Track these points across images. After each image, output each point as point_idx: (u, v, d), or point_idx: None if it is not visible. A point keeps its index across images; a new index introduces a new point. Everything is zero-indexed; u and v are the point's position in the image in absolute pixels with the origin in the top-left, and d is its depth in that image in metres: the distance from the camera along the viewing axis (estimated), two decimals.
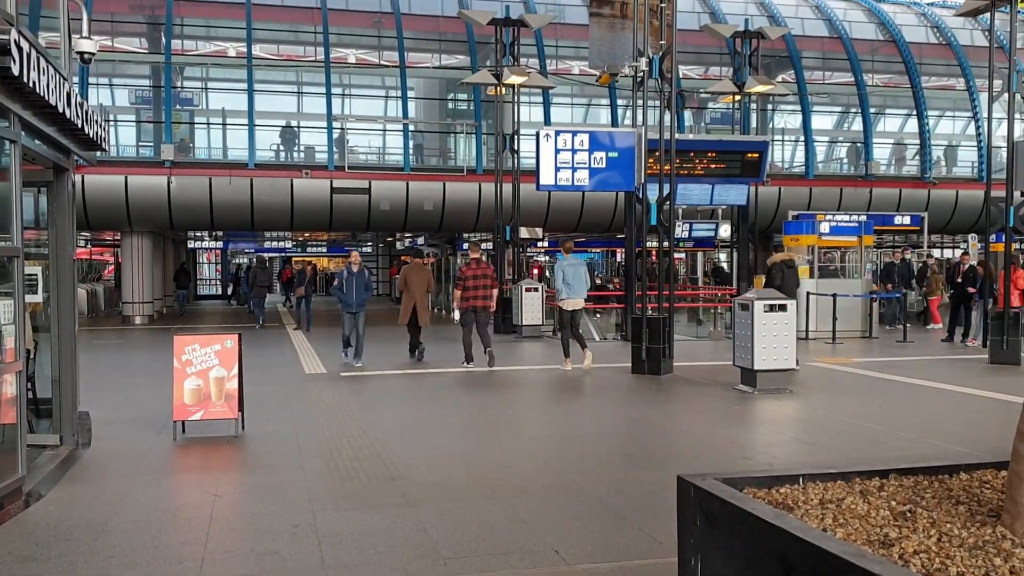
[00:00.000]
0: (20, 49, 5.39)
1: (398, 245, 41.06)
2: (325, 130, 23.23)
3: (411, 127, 24.77)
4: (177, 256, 33.61)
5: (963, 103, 27.68)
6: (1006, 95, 15.26)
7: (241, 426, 8.23)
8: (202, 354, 8.03)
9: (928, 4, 30.44)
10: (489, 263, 14.91)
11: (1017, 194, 15.03)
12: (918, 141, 26.80)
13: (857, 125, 27.08)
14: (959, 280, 17.51)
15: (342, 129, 23.64)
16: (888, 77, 28.01)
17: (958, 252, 27.75)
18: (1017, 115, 15.60)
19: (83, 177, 20.27)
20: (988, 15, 15.20)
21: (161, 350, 13.87)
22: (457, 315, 15.15)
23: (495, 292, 13.80)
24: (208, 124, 24.61)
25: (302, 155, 24.23)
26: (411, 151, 24.19)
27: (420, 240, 36.13)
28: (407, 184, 23.20)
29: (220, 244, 41.11)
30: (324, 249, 48.72)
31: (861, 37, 27.73)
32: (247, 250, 46.14)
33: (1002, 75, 16.17)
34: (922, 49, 27.89)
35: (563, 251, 13.65)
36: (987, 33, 17.94)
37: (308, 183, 22.62)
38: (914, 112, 26.86)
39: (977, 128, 26.93)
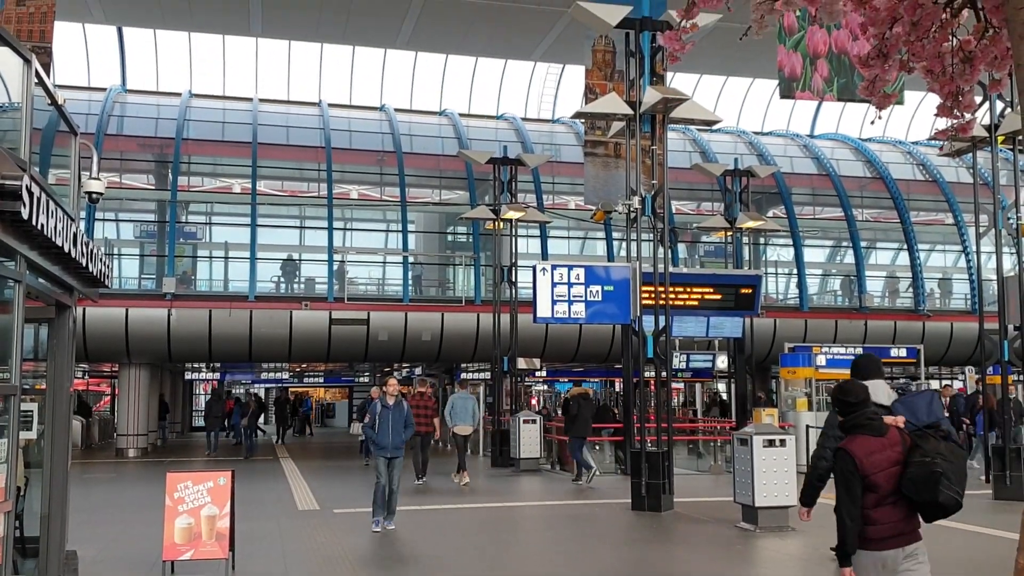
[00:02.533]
0: (31, 194, 5.56)
1: (396, 375, 40.95)
2: (325, 262, 23.59)
3: (411, 259, 25.17)
4: (175, 388, 33.47)
5: (953, 236, 28.23)
6: (993, 230, 15.61)
7: (232, 566, 8.03)
8: (194, 491, 7.92)
9: (913, 143, 31.44)
10: (432, 396, 17.45)
11: (1011, 327, 15.14)
12: (910, 274, 27.18)
13: (849, 258, 27.52)
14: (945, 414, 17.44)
15: (342, 261, 24.00)
16: (878, 212, 28.66)
17: (957, 384, 27.72)
18: (1005, 249, 15.89)
19: (84, 309, 20.44)
20: (971, 154, 15.72)
21: (153, 484, 13.66)
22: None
23: (436, 420, 16.38)
24: (211, 257, 25.01)
25: (302, 287, 24.51)
26: (410, 282, 24.49)
27: (418, 370, 36.08)
28: (406, 315, 23.37)
29: (217, 375, 40.99)
30: (321, 379, 48.55)
31: (849, 174, 28.53)
32: (244, 381, 45.97)
33: (987, 211, 16.60)
34: (909, 185, 28.65)
35: (458, 387, 17.65)
36: (971, 171, 18.51)
37: (307, 314, 22.79)
38: (905, 246, 27.36)
39: (968, 261, 27.36)
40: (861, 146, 29.93)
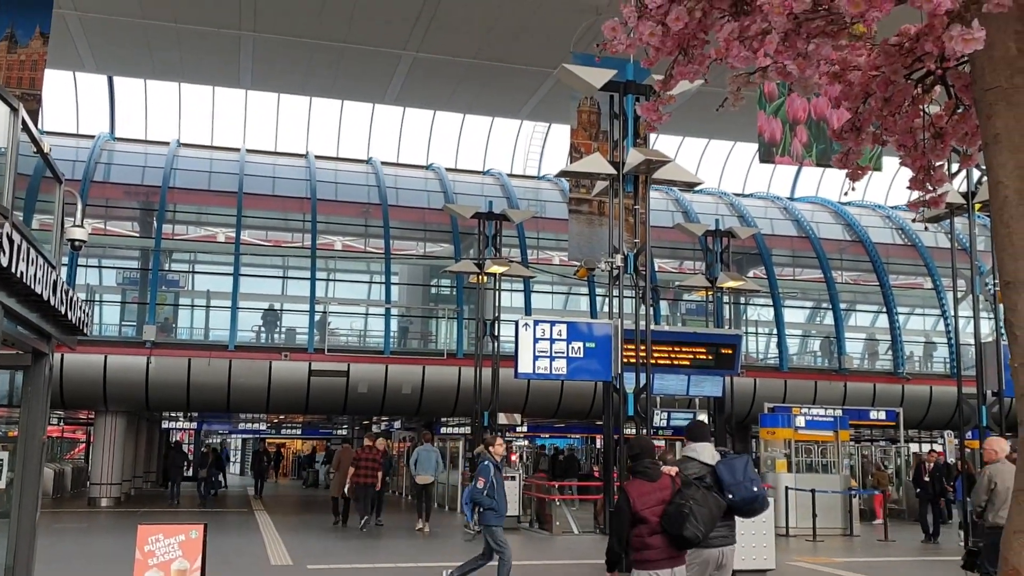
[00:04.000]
0: (11, 242, 5.56)
1: (374, 428, 40.61)
2: (307, 313, 23.53)
3: (393, 311, 25.15)
4: (151, 437, 33.03)
5: (932, 300, 28.53)
6: (971, 296, 15.81)
7: None
8: (165, 545, 7.79)
9: (892, 207, 31.92)
10: (379, 449, 18.44)
11: (989, 392, 15.25)
12: (890, 337, 27.38)
13: (829, 319, 27.72)
14: (926, 479, 17.49)
15: (324, 312, 23.95)
16: (857, 275, 28.96)
17: (937, 447, 27.75)
18: (983, 314, 16.09)
19: (62, 355, 20.24)
20: (949, 221, 15.99)
21: (124, 535, 13.41)
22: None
23: (379, 473, 17.62)
24: (192, 305, 24.91)
25: (282, 337, 24.41)
26: (392, 334, 24.44)
27: (397, 424, 35.81)
28: (386, 367, 23.27)
29: (194, 425, 40.51)
30: (299, 431, 48.05)
31: (829, 237, 28.90)
32: (221, 431, 45.45)
33: (965, 276, 16.83)
34: (888, 249, 29.02)
35: (423, 440, 19.50)
36: (950, 236, 18.80)
37: (287, 365, 22.66)
38: (884, 309, 27.61)
39: (947, 326, 27.61)
40: (840, 209, 30.36)
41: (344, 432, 42.43)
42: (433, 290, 27.99)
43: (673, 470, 5.62)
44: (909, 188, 3.85)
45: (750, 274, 26.46)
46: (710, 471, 5.70)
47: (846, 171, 3.89)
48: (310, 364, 22.74)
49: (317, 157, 28.15)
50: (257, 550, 13.98)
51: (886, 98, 3.61)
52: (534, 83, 25.02)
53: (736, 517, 5.86)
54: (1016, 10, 2.80)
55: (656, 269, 25.77)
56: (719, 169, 33.97)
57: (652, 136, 24.14)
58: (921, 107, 3.63)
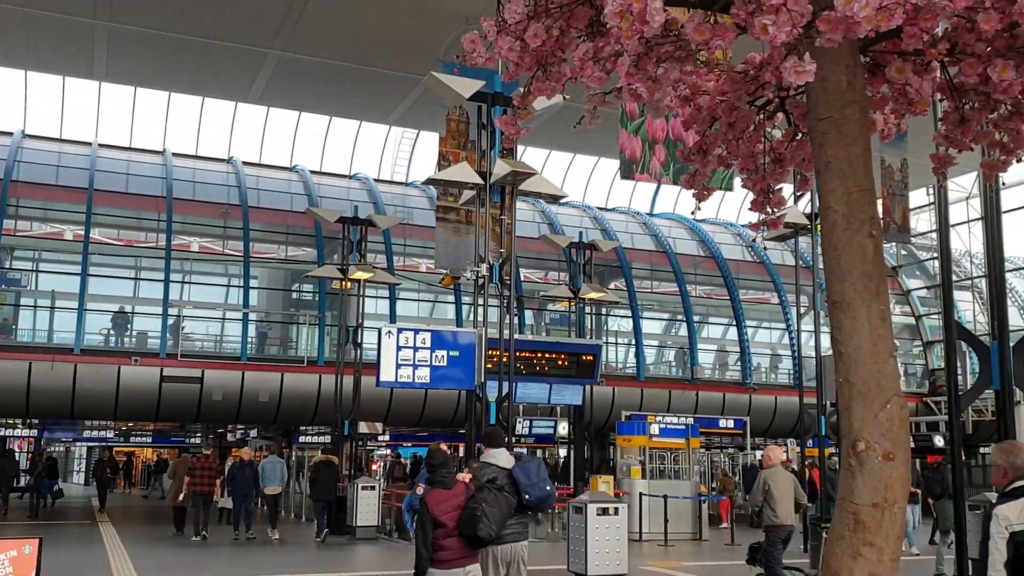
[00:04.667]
0: None
1: (229, 437, 39.32)
2: (160, 316, 22.60)
3: (251, 316, 24.46)
4: None
5: (778, 315, 30.05)
6: (813, 311, 16.74)
7: None
8: None
9: (743, 225, 33.46)
10: (215, 459, 19.36)
11: (828, 403, 16.17)
12: (739, 349, 28.66)
13: (683, 331, 28.78)
14: None
15: (178, 316, 23.07)
16: (711, 289, 30.20)
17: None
18: (824, 329, 17.04)
19: None
20: (794, 240, 16.89)
21: None
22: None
23: (217, 481, 17.91)
24: (35, 306, 23.50)
25: (133, 341, 23.35)
26: (250, 340, 23.77)
27: (253, 432, 34.80)
28: (243, 374, 22.61)
29: (35, 432, 38.17)
30: (149, 439, 45.94)
31: (685, 252, 30.04)
32: (64, 439, 43.00)
33: (808, 293, 17.82)
34: (739, 265, 30.41)
35: (269, 452, 19.99)
36: (794, 254, 19.84)
37: (136, 370, 21.68)
38: (734, 322, 28.89)
39: (791, 339, 29.13)
40: (696, 226, 31.60)
41: (198, 440, 40.87)
42: (295, 295, 27.41)
43: (467, 477, 6.11)
44: (751, 209, 4.07)
45: (611, 286, 27.16)
46: (506, 474, 6.17)
47: (692, 192, 4.07)
48: (162, 370, 21.85)
49: (175, 155, 27.12)
50: (100, 564, 13.29)
51: (730, 123, 3.80)
52: (404, 89, 24.88)
53: (530, 514, 6.56)
54: (847, 46, 3.01)
55: (522, 279, 26.11)
56: (584, 183, 34.75)
57: (520, 148, 24.45)
58: (763, 133, 3.84)
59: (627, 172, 17.78)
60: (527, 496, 6.16)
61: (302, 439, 29.97)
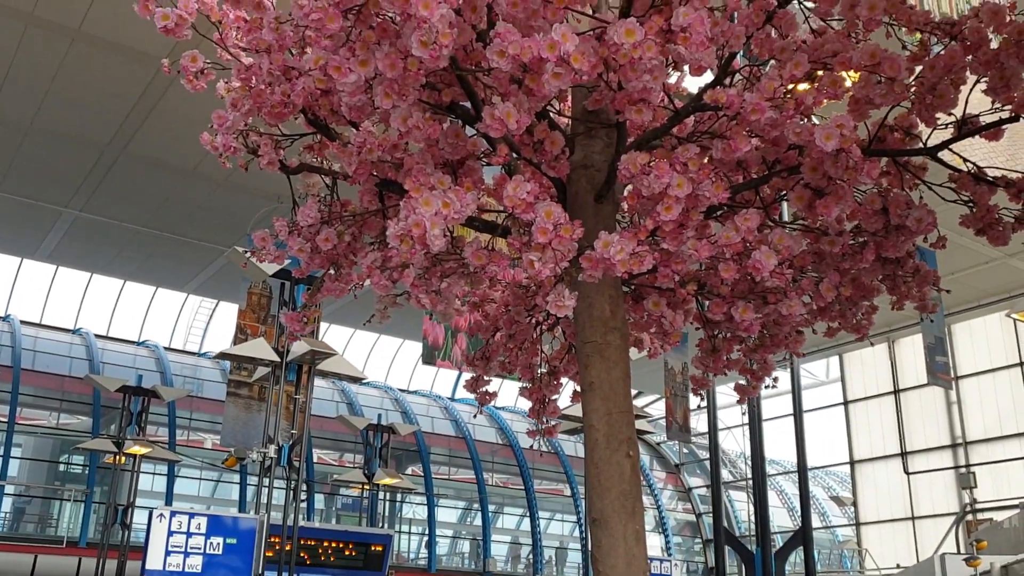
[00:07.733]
0: None
1: None
2: None
3: (8, 488, 22.10)
4: None
5: (570, 506, 30.41)
6: None
7: None
8: None
9: None
10: None
11: None
12: (531, 540, 28.58)
13: (479, 521, 28.48)
14: None
15: None
16: (507, 478, 30.30)
17: None
18: None
19: None
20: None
21: None
22: None
23: None
24: None
25: None
26: (4, 516, 21.37)
27: None
28: None
29: None
30: None
31: (483, 439, 30.21)
32: None
33: None
34: (534, 455, 30.85)
35: None
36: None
37: None
38: (527, 512, 28.95)
39: (581, 532, 29.41)
40: (495, 413, 32.01)
41: None
42: (62, 467, 25.11)
43: None
44: (528, 416, 4.22)
45: (409, 471, 26.73)
46: None
47: (474, 395, 4.19)
48: None
49: None
50: None
51: (511, 334, 4.00)
52: (206, 259, 24.37)
53: None
54: (610, 279, 3.28)
55: (315, 460, 25.25)
56: (388, 363, 34.71)
57: (324, 325, 24.25)
58: (539, 346, 4.05)
59: (429, 358, 18.00)
60: None
61: None
